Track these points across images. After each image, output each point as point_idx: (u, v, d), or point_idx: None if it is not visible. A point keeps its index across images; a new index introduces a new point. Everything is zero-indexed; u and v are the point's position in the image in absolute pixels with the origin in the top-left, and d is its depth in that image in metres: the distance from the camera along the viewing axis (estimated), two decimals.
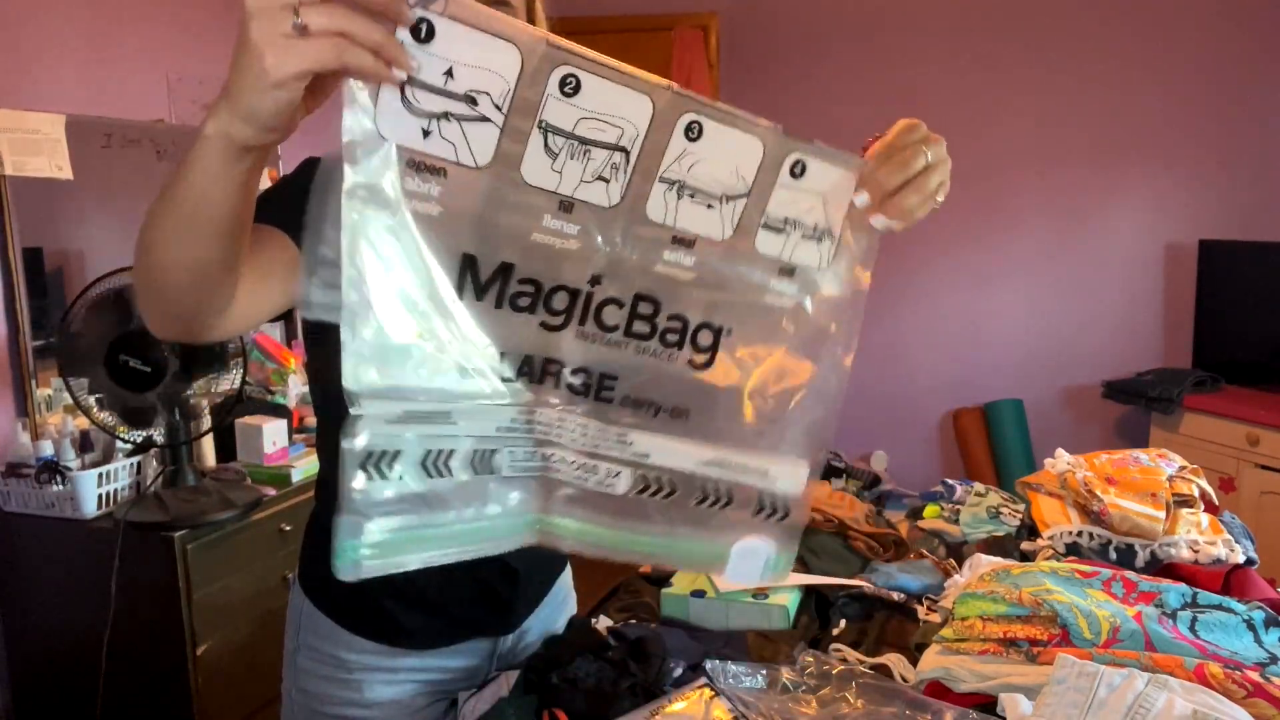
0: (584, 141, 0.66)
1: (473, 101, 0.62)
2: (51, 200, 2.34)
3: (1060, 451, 1.51)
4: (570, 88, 0.64)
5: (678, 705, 0.96)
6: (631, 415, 0.74)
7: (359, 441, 0.64)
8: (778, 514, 0.79)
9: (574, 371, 0.72)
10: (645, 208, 0.70)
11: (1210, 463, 3.01)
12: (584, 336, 0.71)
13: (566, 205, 0.67)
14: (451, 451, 0.68)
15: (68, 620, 2.16)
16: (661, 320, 0.73)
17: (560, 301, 0.70)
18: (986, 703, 0.97)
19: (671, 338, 0.74)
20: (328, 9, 0.55)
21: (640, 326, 0.73)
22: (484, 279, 0.67)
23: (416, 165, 0.62)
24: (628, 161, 0.68)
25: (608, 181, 0.68)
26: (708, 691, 0.99)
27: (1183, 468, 1.47)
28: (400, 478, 0.66)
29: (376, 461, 0.65)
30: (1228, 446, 3.11)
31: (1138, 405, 3.46)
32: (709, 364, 0.75)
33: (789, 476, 0.79)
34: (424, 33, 0.59)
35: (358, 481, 0.65)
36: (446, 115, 0.62)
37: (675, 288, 0.73)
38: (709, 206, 0.72)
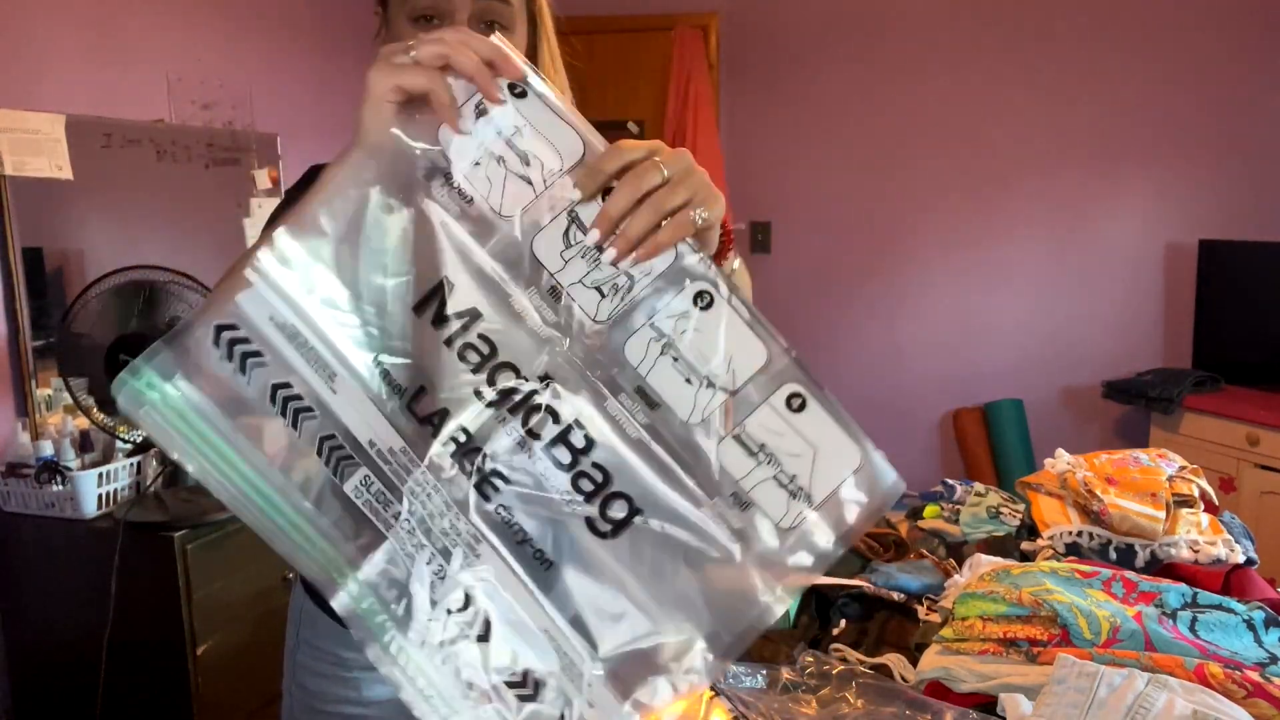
0: (600, 248, 0.66)
1: (526, 162, 0.66)
2: (51, 200, 2.34)
3: (1060, 451, 1.51)
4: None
5: (678, 705, 0.96)
6: (498, 529, 0.66)
7: (229, 310, 0.62)
8: None
9: (474, 452, 0.66)
10: (625, 343, 0.66)
11: (1210, 463, 3.01)
12: (503, 426, 0.66)
13: (556, 293, 0.66)
14: (309, 411, 0.64)
15: (68, 620, 2.16)
16: (586, 462, 0.65)
17: (505, 379, 0.66)
18: (986, 703, 0.97)
19: (585, 485, 0.66)
20: (438, 44, 0.63)
21: (561, 454, 0.66)
22: (448, 312, 0.65)
23: (452, 182, 0.65)
24: (630, 289, 0.66)
25: (603, 296, 0.66)
26: (708, 691, 0.99)
27: (1183, 468, 1.47)
28: (246, 377, 0.62)
29: (233, 343, 0.62)
30: (1228, 446, 3.11)
31: (1138, 405, 3.46)
32: (609, 537, 0.66)
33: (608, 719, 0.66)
34: (517, 92, 0.65)
35: (203, 336, 0.62)
36: (500, 159, 0.65)
37: (617, 438, 0.66)
38: (688, 381, 0.66)
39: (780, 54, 3.93)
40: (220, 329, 0.62)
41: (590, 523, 0.66)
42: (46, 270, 2.35)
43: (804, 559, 0.66)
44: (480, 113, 0.65)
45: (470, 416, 0.66)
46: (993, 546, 1.44)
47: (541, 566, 0.66)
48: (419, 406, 0.65)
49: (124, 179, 2.54)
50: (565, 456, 0.66)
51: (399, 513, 0.65)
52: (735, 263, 0.80)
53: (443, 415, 0.66)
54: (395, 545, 0.65)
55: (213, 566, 2.11)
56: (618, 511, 0.66)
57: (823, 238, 3.96)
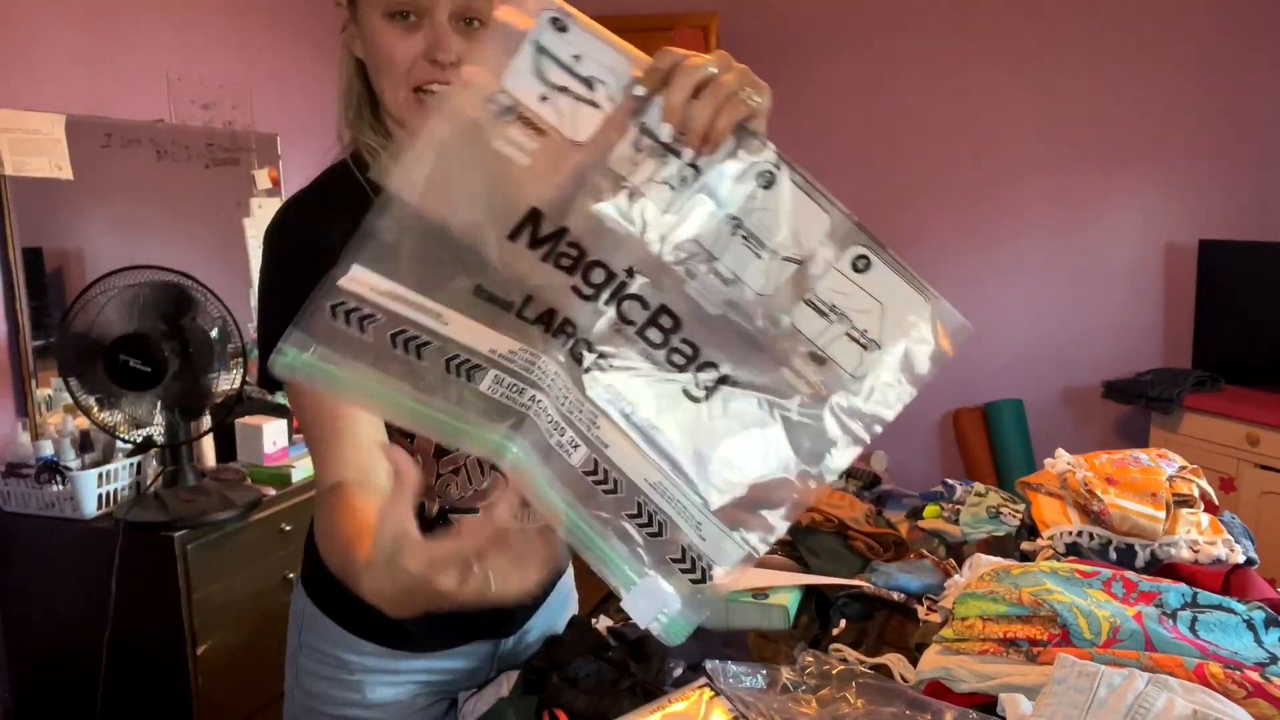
0: (667, 148, 0.71)
1: (590, 86, 0.70)
2: (51, 200, 2.34)
3: (1060, 451, 1.51)
4: None
5: (678, 705, 0.96)
6: (611, 404, 0.75)
7: (336, 288, 0.70)
8: (695, 573, 0.76)
9: (581, 341, 0.74)
10: (698, 230, 0.73)
11: (1210, 463, 3.01)
12: (601, 316, 0.74)
13: (633, 193, 0.72)
14: (427, 343, 0.72)
15: (68, 620, 2.16)
16: (676, 339, 0.74)
17: (597, 276, 0.73)
18: (986, 703, 0.97)
19: (678, 359, 0.74)
20: None
21: (654, 335, 0.74)
22: (541, 234, 0.72)
23: (525, 121, 0.70)
24: (696, 179, 0.72)
25: (673, 189, 0.72)
26: (708, 691, 0.99)
27: (1183, 468, 1.47)
28: (365, 334, 0.71)
29: (348, 312, 0.70)
30: (1228, 446, 3.11)
31: (1138, 405, 3.47)
32: (703, 400, 0.75)
33: (719, 548, 0.76)
34: (559, 26, 0.69)
35: (323, 314, 0.70)
36: (565, 89, 0.70)
37: (699, 315, 0.74)
38: (758, 255, 0.72)
39: (780, 54, 3.93)
40: (334, 307, 0.70)
41: (686, 391, 0.74)
42: (46, 270, 2.35)
43: (880, 402, 0.74)
44: (537, 50, 0.69)
45: (573, 311, 0.74)
46: (993, 546, 1.44)
47: (651, 434, 0.75)
48: (529, 311, 0.74)
49: (124, 179, 2.54)
50: (657, 336, 0.74)
51: (534, 396, 0.75)
52: None
53: (550, 314, 0.74)
54: (537, 421, 0.76)
55: (213, 566, 2.11)
56: (709, 377, 0.74)
57: None
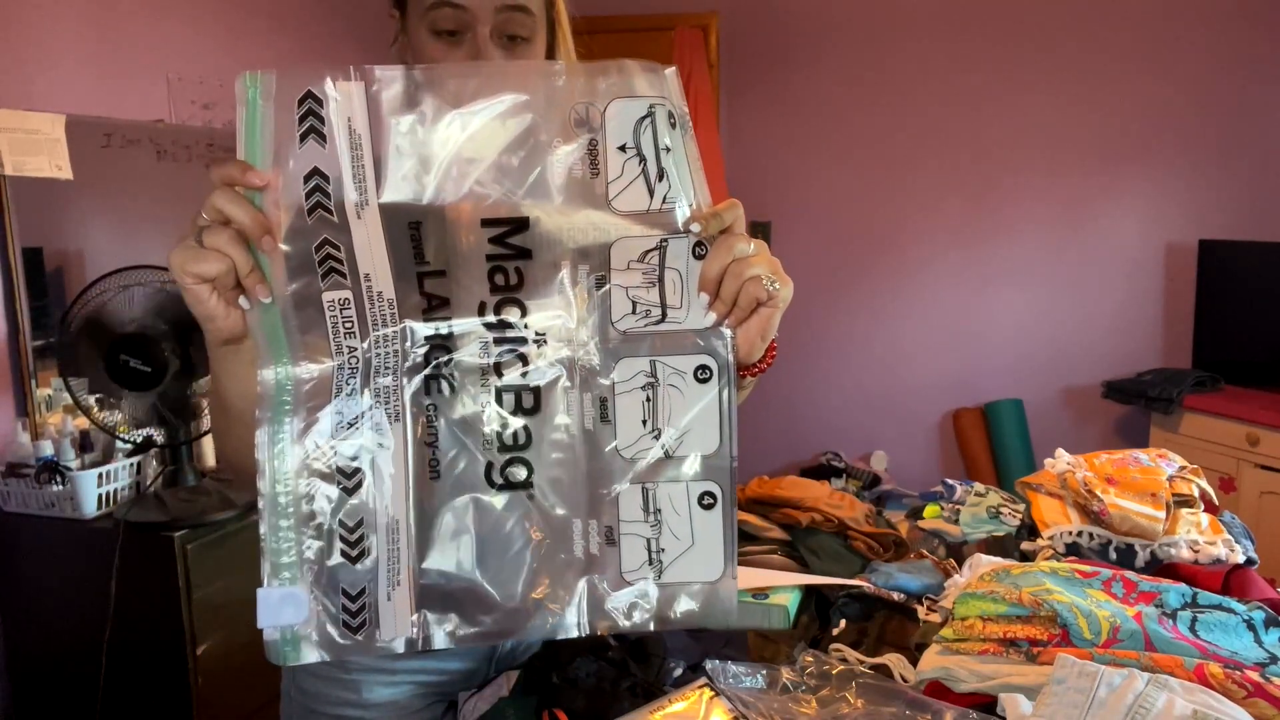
0: (660, 286, 0.73)
1: (660, 177, 0.71)
2: (51, 200, 2.34)
3: (1060, 451, 1.51)
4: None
5: (678, 705, 0.96)
6: (418, 421, 0.73)
7: (325, 86, 0.66)
8: (354, 622, 0.71)
9: (444, 348, 0.72)
10: (620, 360, 0.73)
11: (1210, 463, 3.01)
12: (482, 349, 0.73)
13: (601, 282, 0.72)
14: (328, 211, 0.68)
15: (68, 620, 2.16)
16: (519, 420, 0.72)
17: (511, 314, 0.73)
18: (986, 703, 0.97)
19: (506, 439, 0.73)
20: (212, 235, 0.68)
21: (508, 400, 0.73)
22: (508, 242, 0.71)
23: (591, 147, 0.70)
24: (658, 321, 0.73)
25: (633, 312, 0.73)
26: (708, 691, 0.98)
27: (1183, 468, 1.47)
28: (301, 147, 0.67)
29: (309, 113, 0.67)
30: (1228, 446, 3.11)
31: (1138, 405, 3.46)
32: (493, 490, 0.73)
33: (394, 617, 0.72)
34: (673, 122, 0.70)
35: (294, 87, 0.66)
36: (642, 159, 0.71)
37: (556, 421, 0.73)
38: (644, 424, 0.73)
39: (780, 54, 3.93)
40: (310, 95, 0.66)
41: (489, 468, 0.72)
42: (46, 270, 2.35)
43: (620, 614, 0.74)
44: (648, 112, 0.69)
45: (463, 320, 0.71)
46: (993, 546, 1.44)
47: (430, 474, 0.72)
48: (429, 282, 0.71)
49: (124, 179, 2.54)
50: (510, 404, 0.72)
51: (354, 348, 0.71)
52: (750, 380, 0.83)
53: (443, 302, 0.71)
54: (335, 369, 0.71)
55: (213, 566, 2.11)
56: (515, 474, 0.73)
57: (823, 237, 3.96)
